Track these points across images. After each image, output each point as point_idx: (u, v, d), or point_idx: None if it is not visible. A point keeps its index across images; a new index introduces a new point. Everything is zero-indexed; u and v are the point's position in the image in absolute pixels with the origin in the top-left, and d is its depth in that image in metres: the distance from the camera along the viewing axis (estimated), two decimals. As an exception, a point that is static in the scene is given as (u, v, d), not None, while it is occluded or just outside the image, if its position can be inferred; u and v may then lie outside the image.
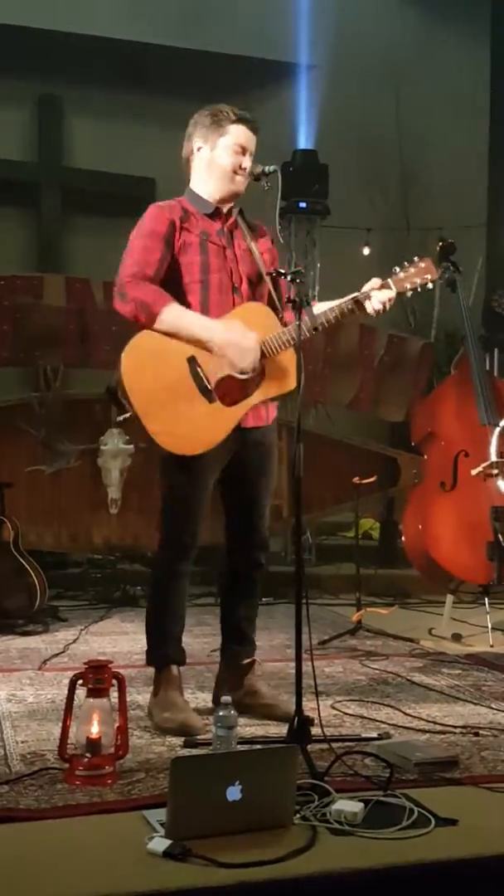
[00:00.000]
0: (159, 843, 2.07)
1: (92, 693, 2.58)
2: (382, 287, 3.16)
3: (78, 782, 2.51)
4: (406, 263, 3.22)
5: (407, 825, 2.22)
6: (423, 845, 2.13)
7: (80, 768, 2.53)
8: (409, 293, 3.23)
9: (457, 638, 4.57)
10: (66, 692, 2.65)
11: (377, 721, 3.15)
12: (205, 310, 3.09)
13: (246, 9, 7.57)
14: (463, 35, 8.41)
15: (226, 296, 3.13)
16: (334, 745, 2.77)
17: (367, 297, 3.14)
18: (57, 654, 4.18)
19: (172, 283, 3.08)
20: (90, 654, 4.06)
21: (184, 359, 3.00)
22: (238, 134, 3.15)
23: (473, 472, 4.59)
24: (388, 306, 3.16)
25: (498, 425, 4.69)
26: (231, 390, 3.05)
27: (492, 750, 2.84)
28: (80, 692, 2.62)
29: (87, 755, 2.54)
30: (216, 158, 3.16)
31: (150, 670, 3.24)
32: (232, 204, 3.22)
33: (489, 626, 4.48)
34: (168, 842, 2.07)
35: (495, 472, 4.58)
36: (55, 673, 3.82)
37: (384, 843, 2.13)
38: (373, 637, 4.64)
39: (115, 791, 2.48)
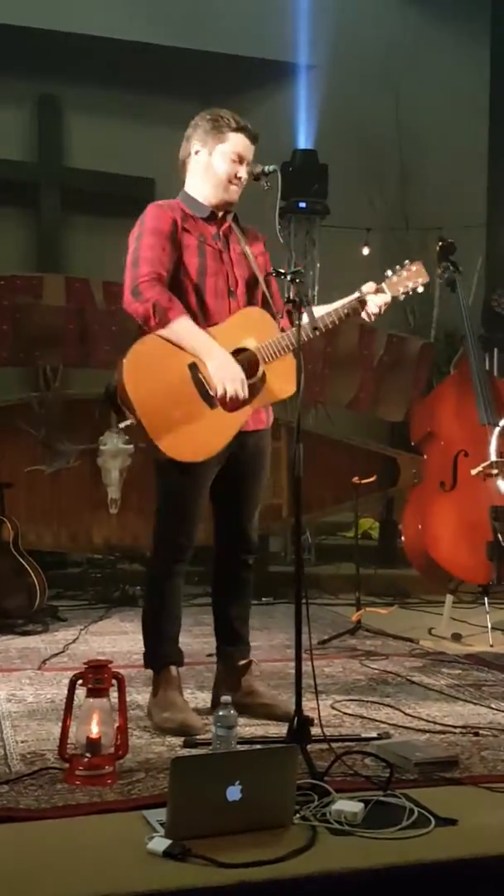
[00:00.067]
0: (159, 843, 2.07)
1: (92, 693, 2.58)
2: (377, 291, 3.19)
3: (78, 782, 2.51)
4: (398, 267, 3.25)
5: (407, 825, 2.22)
6: (423, 845, 2.13)
7: (80, 768, 2.53)
8: (402, 297, 3.26)
9: (457, 638, 4.57)
10: (65, 692, 2.65)
11: (377, 721, 3.15)
12: (201, 313, 3.10)
13: (246, 9, 7.58)
14: (463, 35, 8.41)
15: (222, 299, 3.14)
16: (334, 745, 2.76)
17: (364, 301, 3.16)
18: (57, 654, 4.18)
19: (170, 284, 3.07)
20: (90, 653, 4.06)
21: (185, 365, 3.01)
22: (237, 142, 3.15)
23: (473, 471, 4.59)
24: (383, 310, 3.19)
25: (498, 425, 4.69)
26: None
27: (492, 750, 2.84)
28: (80, 692, 2.62)
29: (87, 755, 2.54)
30: (213, 164, 3.16)
31: (150, 670, 3.24)
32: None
33: (489, 625, 4.48)
34: (168, 842, 2.07)
35: (495, 471, 4.58)
36: (55, 673, 3.82)
37: (384, 843, 2.13)
38: (372, 637, 4.64)
39: (115, 791, 2.48)
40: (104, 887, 1.91)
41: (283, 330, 3.15)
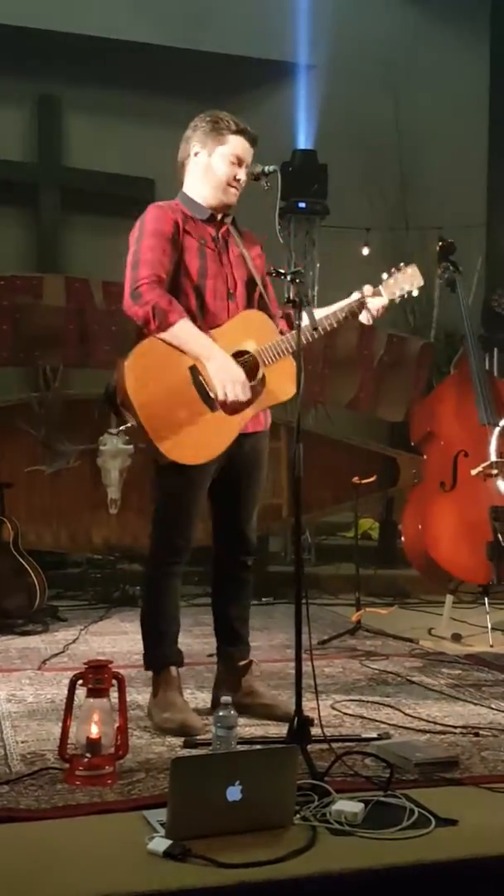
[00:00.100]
0: (159, 843, 2.07)
1: (92, 693, 2.58)
2: (374, 294, 3.20)
3: (78, 782, 2.51)
4: (393, 270, 3.27)
5: (407, 825, 2.22)
6: (423, 845, 2.13)
7: (80, 768, 2.53)
8: (397, 300, 3.27)
9: (456, 638, 4.57)
10: (65, 692, 2.65)
11: (377, 721, 3.15)
12: (201, 315, 3.10)
13: (246, 9, 7.58)
14: (463, 35, 8.41)
15: (221, 301, 3.14)
16: (334, 745, 2.76)
17: (364, 303, 3.17)
18: (57, 654, 4.18)
19: (170, 286, 3.07)
20: (90, 653, 4.06)
21: (186, 367, 3.00)
22: (237, 145, 3.15)
23: (473, 472, 4.59)
24: (380, 313, 3.21)
25: (498, 425, 4.69)
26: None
27: (492, 750, 2.84)
28: (80, 692, 2.62)
29: (87, 755, 2.54)
30: (212, 166, 3.16)
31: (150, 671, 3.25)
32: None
33: (489, 626, 4.48)
34: (168, 842, 2.07)
35: (495, 471, 4.58)
36: (55, 673, 3.82)
37: (384, 844, 2.13)
38: (372, 637, 4.64)
39: (115, 791, 2.48)
40: (104, 887, 1.91)
41: (281, 332, 3.15)
